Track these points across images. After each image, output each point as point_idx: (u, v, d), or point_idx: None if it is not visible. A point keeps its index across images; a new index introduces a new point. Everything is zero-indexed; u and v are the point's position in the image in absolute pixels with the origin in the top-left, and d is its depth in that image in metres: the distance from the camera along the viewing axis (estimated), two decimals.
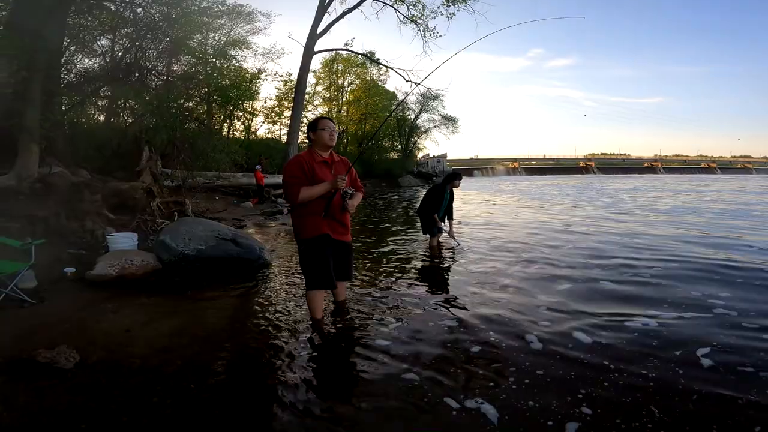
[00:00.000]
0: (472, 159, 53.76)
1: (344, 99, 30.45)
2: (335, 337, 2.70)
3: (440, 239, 5.81)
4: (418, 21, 15.41)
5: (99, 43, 7.75)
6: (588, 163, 58.78)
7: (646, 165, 60.50)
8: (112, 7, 6.81)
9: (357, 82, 30.32)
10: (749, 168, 60.97)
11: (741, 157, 66.28)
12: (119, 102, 8.41)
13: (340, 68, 29.72)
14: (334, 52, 23.33)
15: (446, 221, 5.65)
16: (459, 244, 5.70)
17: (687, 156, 65.39)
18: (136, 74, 7.22)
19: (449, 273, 4.52)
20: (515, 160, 56.94)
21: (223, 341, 2.64)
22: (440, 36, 15.55)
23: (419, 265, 4.81)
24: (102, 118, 8.87)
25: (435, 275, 4.50)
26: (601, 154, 63.52)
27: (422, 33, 15.55)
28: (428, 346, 2.54)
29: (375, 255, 5.34)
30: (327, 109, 29.56)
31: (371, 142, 29.48)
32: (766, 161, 64.72)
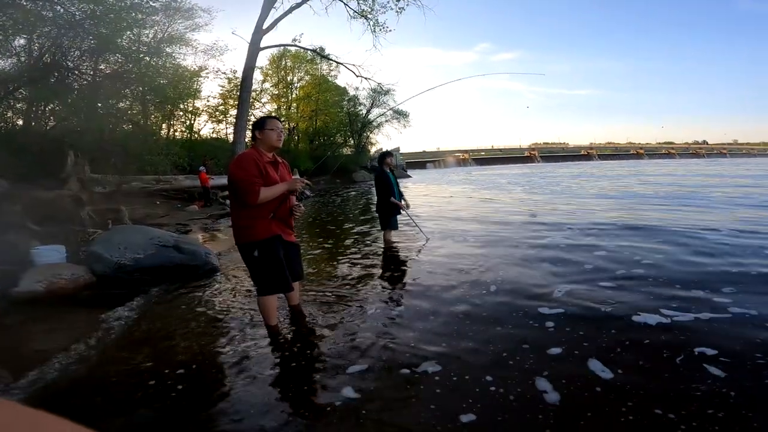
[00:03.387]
0: (423, 152, 54.80)
1: (294, 95, 29.85)
2: (292, 343, 2.60)
3: (402, 231, 5.79)
4: (368, 16, 15.46)
5: (14, 42, 7.08)
6: (532, 152, 62.00)
7: (583, 153, 64.73)
8: (29, 6, 6.24)
9: (307, 78, 29.84)
10: (672, 153, 67.05)
11: (665, 143, 72.80)
12: (39, 104, 7.75)
13: (288, 64, 29.08)
14: (282, 47, 22.85)
15: (402, 201, 5.48)
16: (428, 238, 5.68)
17: (618, 143, 70.75)
18: (56, 74, 6.69)
19: (406, 271, 4.27)
20: (465, 151, 58.79)
21: (169, 354, 2.53)
22: (390, 31, 15.72)
23: (376, 263, 4.67)
24: (21, 122, 8.14)
25: (398, 274, 4.21)
26: (543, 143, 67.41)
27: (372, 28, 15.63)
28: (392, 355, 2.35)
29: (333, 256, 5.19)
30: (276, 107, 28.85)
31: (323, 139, 29.25)
32: (687, 146, 71.56)
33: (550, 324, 2.65)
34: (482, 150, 62.72)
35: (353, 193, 18.10)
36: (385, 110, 30.12)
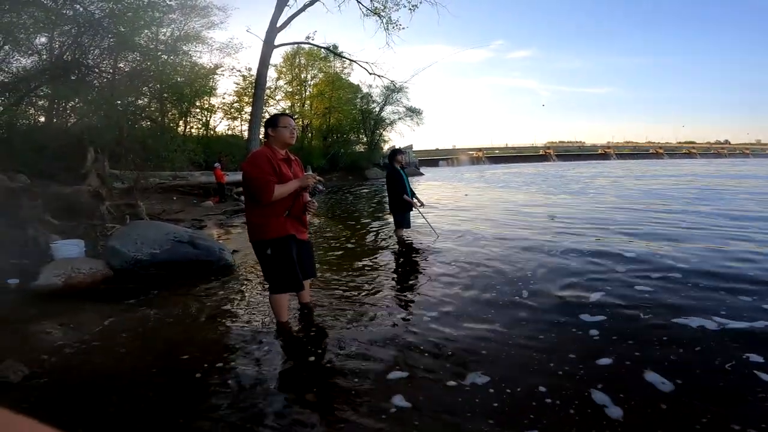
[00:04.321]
0: (437, 149, 54.54)
1: (308, 93, 29.98)
2: (302, 340, 2.60)
3: (413, 229, 5.74)
4: (381, 13, 15.43)
5: (36, 41, 7.25)
6: (547, 151, 61.07)
7: (600, 152, 63.44)
8: (50, 4, 6.38)
9: (320, 75, 29.93)
10: (694, 153, 65.20)
11: (686, 143, 70.89)
12: (60, 102, 7.94)
13: (302, 62, 29.23)
14: (296, 45, 22.97)
15: (414, 199, 5.49)
16: (438, 235, 5.64)
17: (636, 142, 69.23)
18: (76, 72, 6.82)
19: (425, 270, 4.14)
20: (479, 149, 58.27)
21: (182, 349, 2.53)
22: (403, 28, 15.68)
23: (391, 261, 4.62)
24: (42, 119, 8.35)
25: (415, 275, 4.08)
26: (559, 141, 66.42)
27: (385, 25, 15.61)
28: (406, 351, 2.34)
29: (347, 254, 5.15)
30: (290, 104, 29.04)
31: (336, 136, 29.43)
32: (709, 146, 69.54)
33: (594, 332, 2.51)
34: (496, 148, 62.04)
35: (365, 190, 18.04)
36: (394, 106, 30.11)
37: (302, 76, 29.68)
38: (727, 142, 73.54)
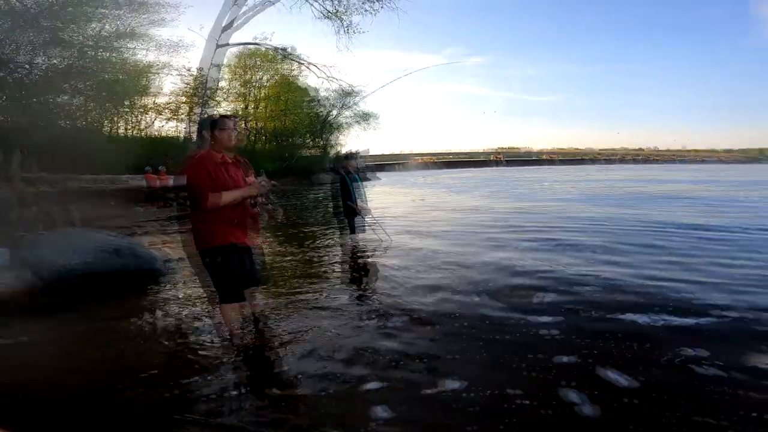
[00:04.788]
0: (391, 154, 55.34)
1: (261, 95, 29.31)
2: (261, 352, 2.54)
3: (364, 235, 5.72)
4: (343, 17, 15.51)
5: None
6: (497, 156, 63.82)
7: (545, 157, 67.29)
8: None
9: (275, 77, 29.37)
10: (627, 159, 70.97)
11: (620, 149, 77.19)
12: None
13: (257, 63, 28.55)
14: (252, 46, 22.38)
15: (361, 204, 5.43)
16: (391, 239, 5.65)
17: (578, 149, 74.25)
18: (8, 68, 6.28)
19: (380, 276, 4.14)
20: (432, 154, 59.77)
21: (117, 366, 2.42)
22: (363, 32, 15.82)
23: (344, 268, 4.63)
24: None
25: (364, 278, 4.14)
26: (509, 147, 69.50)
27: (345, 29, 15.70)
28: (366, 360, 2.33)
29: (296, 259, 5.12)
30: (244, 105, 28.24)
31: (290, 140, 29.01)
32: (638, 153, 76.24)
33: (554, 331, 2.63)
34: (450, 153, 63.87)
35: (321, 195, 17.95)
36: (351, 111, 30.29)
37: (255, 77, 29.00)
38: (656, 148, 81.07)
